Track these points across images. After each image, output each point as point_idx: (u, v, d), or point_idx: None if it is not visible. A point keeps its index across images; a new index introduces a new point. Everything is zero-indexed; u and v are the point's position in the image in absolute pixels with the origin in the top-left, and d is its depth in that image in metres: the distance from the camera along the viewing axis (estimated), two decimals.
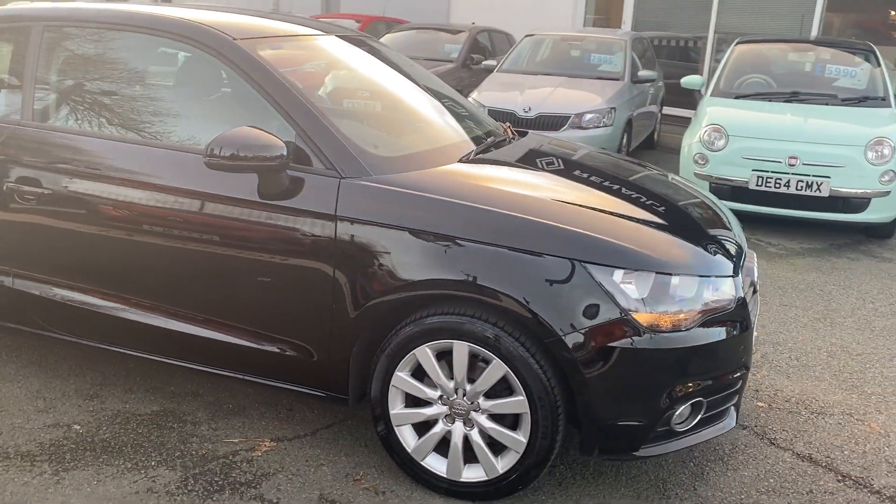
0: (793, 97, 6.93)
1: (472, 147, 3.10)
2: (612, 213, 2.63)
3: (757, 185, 6.22)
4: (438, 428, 2.60)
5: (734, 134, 6.42)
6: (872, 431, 3.24)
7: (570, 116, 7.92)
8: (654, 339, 2.37)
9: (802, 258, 5.73)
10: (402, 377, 2.58)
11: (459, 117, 3.45)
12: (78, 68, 3.08)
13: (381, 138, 3.03)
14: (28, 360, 3.50)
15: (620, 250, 2.42)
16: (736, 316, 2.56)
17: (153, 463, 2.77)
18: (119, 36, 3.03)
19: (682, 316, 2.43)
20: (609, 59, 9.31)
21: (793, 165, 6.12)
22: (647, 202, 2.90)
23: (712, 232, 2.84)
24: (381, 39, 11.98)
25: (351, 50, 3.46)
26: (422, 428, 2.64)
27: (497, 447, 2.56)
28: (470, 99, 8.60)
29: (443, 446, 2.62)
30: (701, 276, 2.53)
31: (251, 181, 2.61)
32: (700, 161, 6.51)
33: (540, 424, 2.44)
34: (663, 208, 2.89)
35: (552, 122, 7.92)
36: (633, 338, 2.37)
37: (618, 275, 2.38)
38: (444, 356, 2.54)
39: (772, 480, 2.85)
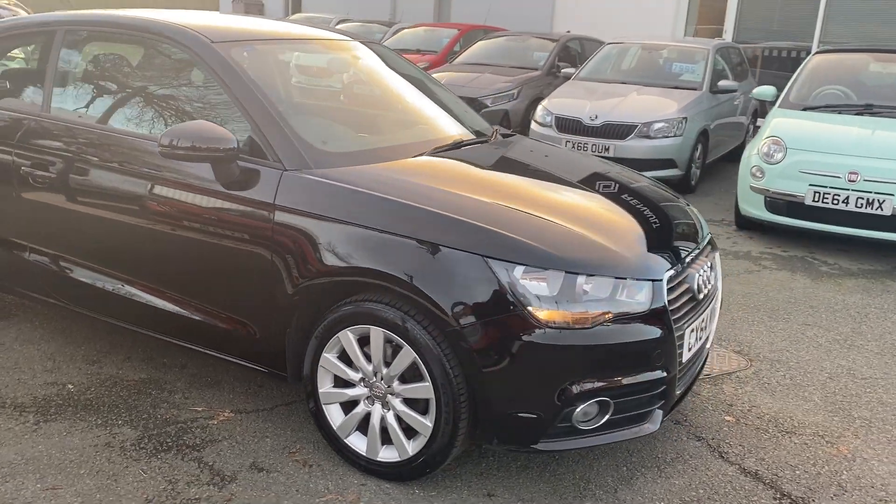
0: (865, 110, 6.56)
1: (434, 146, 3.23)
2: (537, 213, 2.69)
3: (813, 201, 5.94)
4: (360, 408, 2.75)
5: (792, 147, 6.17)
6: (838, 454, 3.10)
7: (637, 125, 7.82)
8: (549, 334, 2.43)
9: (853, 279, 5.44)
10: (328, 358, 2.75)
11: (435, 118, 3.58)
12: (87, 65, 3.46)
13: (338, 135, 3.21)
14: (54, 327, 3.93)
15: (523, 247, 2.49)
16: (650, 320, 2.56)
17: (120, 422, 3.07)
18: (118, 37, 3.38)
19: (586, 315, 2.47)
20: (691, 69, 9.10)
21: (853, 181, 5.81)
22: (587, 204, 2.94)
23: (650, 234, 2.84)
24: (474, 46, 12.21)
25: (336, 53, 3.68)
26: (348, 407, 2.79)
27: (411, 431, 2.67)
28: (540, 106, 8.67)
29: (365, 426, 2.77)
30: (616, 278, 2.56)
31: (207, 170, 2.86)
32: (757, 174, 6.29)
33: (443, 410, 2.54)
34: (602, 209, 2.92)
35: (618, 131, 7.85)
36: (529, 332, 2.43)
37: (518, 271, 2.45)
38: (368, 341, 2.68)
39: (702, 491, 2.80)
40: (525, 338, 2.43)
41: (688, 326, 2.75)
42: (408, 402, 2.65)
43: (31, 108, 3.46)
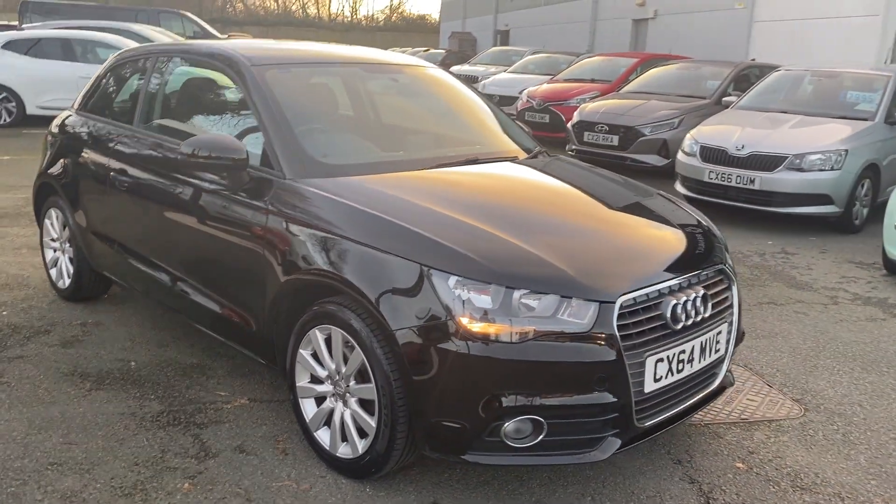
0: None
1: (440, 162, 3.35)
2: (492, 229, 2.71)
3: None
4: (327, 404, 2.91)
5: None
6: None
7: (787, 157, 7.28)
8: (474, 346, 2.45)
9: None
10: (303, 355, 2.95)
11: (459, 136, 3.70)
12: (165, 85, 3.99)
13: (344, 149, 3.41)
14: (147, 314, 4.49)
15: (460, 258, 2.53)
16: (591, 341, 2.49)
17: (152, 397, 3.48)
18: (191, 62, 3.87)
19: (514, 329, 2.46)
20: (869, 98, 8.28)
21: None
22: (560, 222, 2.93)
23: (620, 255, 2.76)
24: (645, 74, 11.95)
25: (372, 76, 3.91)
26: (319, 402, 2.97)
27: (364, 431, 2.79)
28: (688, 136, 8.32)
29: (331, 421, 2.92)
30: (562, 297, 2.52)
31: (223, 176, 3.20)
32: None
33: (383, 412, 2.64)
34: (575, 229, 2.88)
35: (765, 163, 7.35)
36: (455, 342, 2.46)
37: (452, 280, 2.50)
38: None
39: None
40: (451, 347, 2.47)
41: (652, 355, 2.62)
42: (361, 402, 2.77)
43: (125, 121, 4.04)
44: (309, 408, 2.99)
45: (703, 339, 2.84)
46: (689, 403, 2.89)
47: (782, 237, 7.18)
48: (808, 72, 9.13)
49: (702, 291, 2.84)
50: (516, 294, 2.48)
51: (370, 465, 2.75)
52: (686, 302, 2.75)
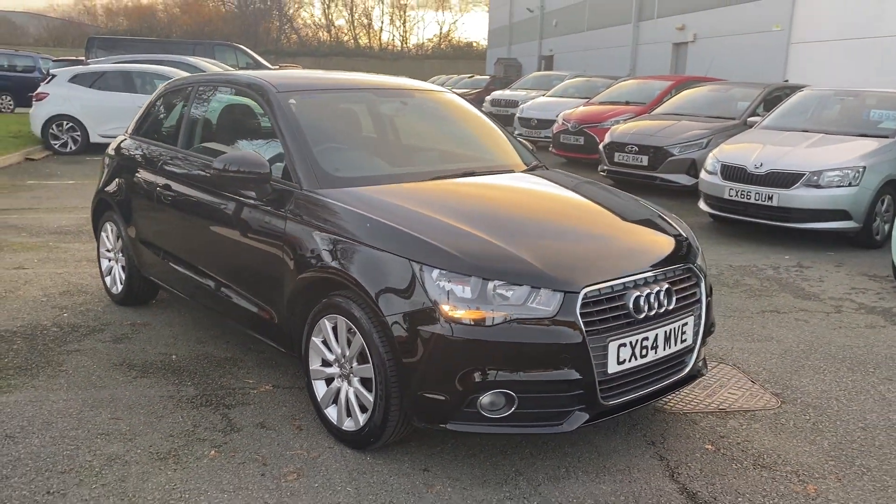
0: None
1: (438, 175, 3.79)
2: (475, 231, 3.10)
3: None
4: (335, 384, 3.33)
5: None
6: (800, 492, 3.04)
7: (804, 174, 7.49)
8: (454, 328, 2.83)
9: None
10: (315, 342, 3.37)
11: (459, 152, 4.12)
12: (203, 110, 4.51)
13: (354, 163, 3.85)
14: (191, 317, 4.99)
15: (443, 254, 2.93)
16: (557, 326, 2.85)
17: (189, 383, 3.95)
18: (226, 89, 4.39)
19: (491, 314, 2.84)
20: (892, 116, 8.44)
21: None
22: (536, 224, 3.33)
23: (587, 253, 3.13)
24: (678, 96, 12.22)
25: (383, 99, 4.37)
26: (328, 383, 3.38)
27: (366, 407, 3.19)
28: (710, 154, 8.59)
29: (337, 399, 3.34)
30: (532, 287, 2.90)
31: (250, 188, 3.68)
32: None
33: (379, 388, 3.04)
34: (547, 229, 3.27)
35: (783, 180, 7.58)
36: (438, 325, 2.86)
37: (435, 273, 2.90)
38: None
39: (623, 498, 2.96)
40: (434, 330, 2.86)
41: (615, 340, 2.97)
42: (362, 381, 3.18)
43: (170, 143, 4.58)
44: (320, 388, 3.40)
45: (667, 328, 3.17)
46: (656, 387, 3.21)
47: (800, 252, 7.38)
48: (832, 91, 9.31)
49: (666, 286, 3.18)
50: (491, 285, 2.87)
51: (369, 435, 3.15)
52: (649, 295, 3.09)
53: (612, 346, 2.97)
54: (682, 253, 3.42)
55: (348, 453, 3.24)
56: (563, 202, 3.76)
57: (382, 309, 2.97)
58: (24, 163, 12.75)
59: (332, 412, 3.35)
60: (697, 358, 3.42)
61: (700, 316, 3.37)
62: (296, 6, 71.30)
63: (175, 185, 4.32)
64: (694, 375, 3.44)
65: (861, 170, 7.42)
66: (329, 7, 70.39)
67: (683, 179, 10.17)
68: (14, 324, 4.77)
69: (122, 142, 5.23)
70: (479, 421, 2.92)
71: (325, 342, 3.34)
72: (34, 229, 7.60)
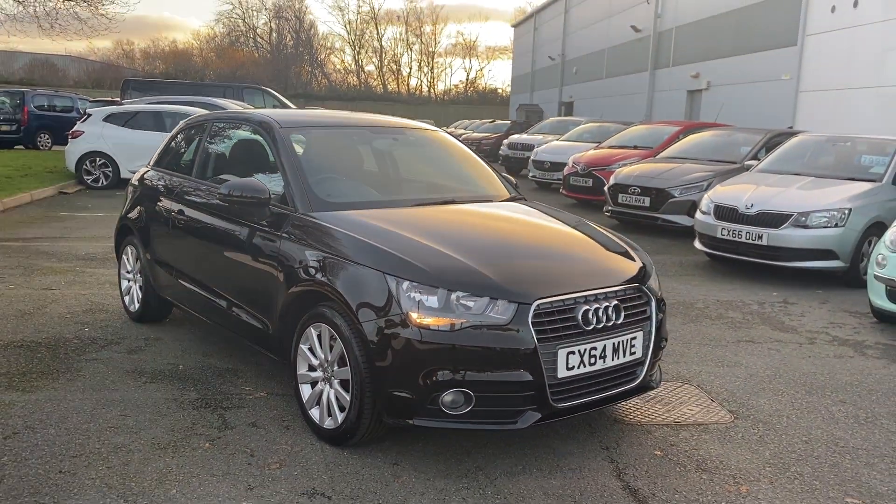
0: None
1: (419, 202, 4.22)
2: (444, 249, 3.50)
3: None
4: (318, 387, 3.71)
5: None
6: (733, 492, 3.34)
7: (792, 214, 7.82)
8: (419, 333, 3.22)
9: None
10: (302, 349, 3.77)
11: (442, 183, 4.57)
12: (213, 144, 5.00)
13: (345, 191, 4.28)
14: (198, 332, 5.42)
15: (413, 268, 3.33)
16: (510, 332, 3.23)
17: (192, 389, 4.35)
18: (236, 126, 4.88)
19: (455, 321, 3.22)
20: (882, 161, 8.76)
21: None
22: (498, 244, 3.74)
23: (541, 270, 3.50)
24: (683, 140, 12.61)
25: (376, 135, 4.83)
26: (313, 386, 3.77)
27: (343, 406, 3.56)
28: (705, 195, 8.95)
29: (320, 401, 3.71)
30: (491, 298, 3.28)
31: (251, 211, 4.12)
32: (880, 262, 6.13)
33: (355, 389, 3.42)
34: (508, 249, 3.67)
35: (772, 220, 7.91)
36: (406, 331, 3.24)
37: (405, 284, 3.30)
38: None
39: (570, 491, 3.28)
40: (403, 335, 3.24)
41: (563, 348, 3.33)
42: (341, 382, 3.56)
43: (186, 173, 5.06)
44: (305, 391, 3.79)
45: (615, 340, 3.52)
46: (606, 395, 3.55)
47: (789, 289, 7.66)
48: (826, 137, 9.66)
49: (615, 303, 3.54)
50: (454, 296, 3.26)
51: (346, 432, 3.51)
52: (598, 309, 3.46)
53: (562, 354, 3.33)
54: (634, 274, 3.78)
55: (327, 449, 3.61)
56: (530, 226, 4.15)
57: (360, 316, 3.37)
58: (58, 196, 13.43)
59: (315, 413, 3.73)
60: (649, 371, 3.75)
61: (650, 332, 3.71)
62: (327, 52, 73.34)
63: (188, 211, 4.79)
64: (644, 387, 3.76)
65: (847, 211, 7.73)
66: (359, 53, 72.27)
67: (684, 220, 10.49)
68: (39, 336, 5.23)
69: (144, 173, 5.73)
70: (441, 417, 3.28)
71: (311, 349, 3.73)
72: (63, 255, 8.13)
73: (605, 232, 4.25)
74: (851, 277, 7.86)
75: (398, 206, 4.14)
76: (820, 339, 5.88)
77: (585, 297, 3.47)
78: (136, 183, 5.76)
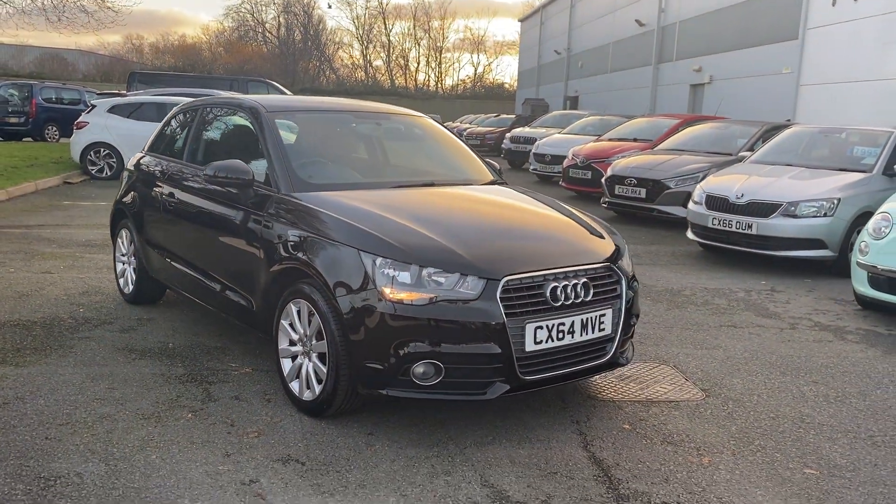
0: None
1: (398, 184, 4.34)
2: (418, 227, 3.62)
3: None
4: (298, 361, 3.84)
5: None
6: (695, 462, 3.45)
7: (781, 204, 7.90)
8: (391, 307, 3.34)
9: None
10: (283, 324, 3.89)
11: (422, 167, 4.68)
12: (204, 129, 5.13)
13: (326, 173, 4.40)
14: (190, 314, 5.55)
15: (386, 245, 3.45)
16: (479, 306, 3.34)
17: (180, 365, 4.49)
18: (225, 110, 5.00)
19: (426, 296, 3.34)
20: (873, 152, 8.81)
21: None
22: (471, 224, 3.84)
23: (512, 248, 3.61)
24: (680, 133, 12.69)
25: (360, 120, 4.95)
26: (293, 360, 3.89)
27: (320, 379, 3.69)
28: (697, 186, 9.03)
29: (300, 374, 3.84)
30: (462, 274, 3.40)
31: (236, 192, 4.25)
32: (864, 250, 6.21)
33: (331, 361, 3.55)
34: (481, 228, 3.78)
35: (762, 210, 7.99)
36: (379, 305, 3.36)
37: (378, 261, 3.42)
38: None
39: (535, 460, 3.40)
40: (376, 309, 3.36)
41: (531, 322, 3.44)
42: (319, 355, 3.68)
43: (176, 157, 5.20)
44: (286, 364, 3.91)
45: (583, 317, 3.63)
46: (575, 369, 3.67)
47: (777, 278, 7.74)
48: (819, 129, 9.72)
49: (584, 280, 3.65)
50: (426, 272, 3.37)
51: (323, 403, 3.64)
52: (567, 286, 3.57)
53: (530, 328, 3.44)
54: (605, 254, 3.88)
55: (306, 419, 3.73)
56: (505, 207, 4.26)
57: (335, 291, 3.49)
58: (63, 186, 13.61)
59: (295, 385, 3.85)
60: (619, 347, 3.86)
61: (620, 310, 3.82)
62: (335, 47, 73.49)
63: (178, 194, 4.92)
64: (614, 363, 3.87)
65: (836, 201, 7.80)
66: (367, 48, 72.38)
67: (679, 211, 10.55)
68: (35, 315, 5.38)
69: (139, 158, 5.86)
70: (413, 388, 3.40)
71: (291, 324, 3.85)
72: (64, 242, 8.29)
73: (580, 214, 4.35)
74: (840, 267, 7.92)
75: (378, 188, 4.26)
76: (802, 325, 5.96)
77: (555, 274, 3.58)
78: (131, 168, 5.90)
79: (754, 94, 18.22)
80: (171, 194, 5.00)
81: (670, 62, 24.20)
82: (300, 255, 3.74)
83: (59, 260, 7.31)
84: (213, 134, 5.12)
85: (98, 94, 24.51)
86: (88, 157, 14.51)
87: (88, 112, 14.87)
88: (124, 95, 16.78)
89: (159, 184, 5.23)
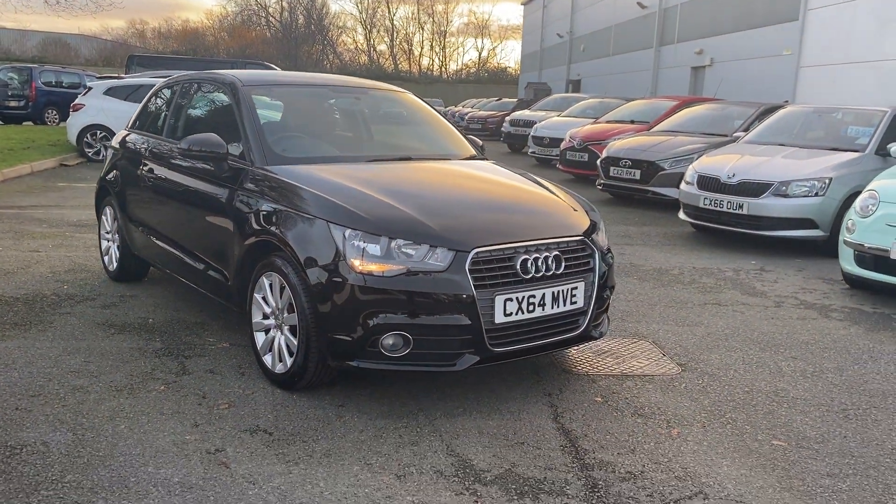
0: None
1: (374, 158, 4.33)
2: (387, 199, 3.61)
3: None
4: (271, 334, 3.84)
5: (885, 200, 6.00)
6: (663, 434, 3.45)
7: (773, 184, 7.86)
8: (361, 278, 3.33)
9: None
10: (256, 297, 3.89)
11: (399, 141, 4.67)
12: (184, 105, 5.12)
13: (301, 146, 4.39)
14: (172, 290, 5.56)
15: (355, 217, 3.44)
16: (448, 277, 3.33)
17: (157, 339, 4.50)
18: (204, 85, 4.98)
19: (394, 268, 3.34)
20: (867, 132, 8.75)
21: None
22: (442, 197, 3.83)
23: (481, 221, 3.60)
24: (677, 114, 12.62)
25: (338, 95, 4.93)
26: (266, 333, 3.89)
27: (292, 352, 3.69)
28: (689, 166, 9.00)
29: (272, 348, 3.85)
30: (431, 246, 3.39)
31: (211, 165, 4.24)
32: (851, 228, 6.17)
33: (300, 334, 3.55)
34: (451, 201, 3.77)
35: (753, 189, 7.95)
36: (348, 276, 3.36)
37: (347, 232, 3.41)
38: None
39: (504, 430, 3.40)
40: (344, 281, 3.36)
41: (501, 294, 3.43)
42: (291, 328, 3.68)
43: (156, 133, 5.19)
44: (259, 338, 3.92)
45: (554, 289, 3.62)
46: (546, 341, 3.66)
47: (768, 259, 7.72)
48: (813, 108, 9.65)
49: (555, 253, 3.64)
50: (395, 243, 3.37)
51: (294, 375, 3.64)
52: (538, 259, 3.56)
53: (499, 300, 3.43)
54: (580, 228, 3.86)
55: (278, 392, 3.74)
56: (481, 181, 4.25)
57: (305, 263, 3.49)
58: (59, 168, 13.63)
59: (268, 359, 3.86)
60: (592, 321, 3.85)
61: (592, 283, 3.80)
62: (338, 31, 73.18)
63: (157, 170, 4.92)
64: (586, 336, 3.86)
65: (827, 181, 7.75)
66: (371, 33, 72.06)
67: (673, 192, 10.48)
68: (18, 292, 5.39)
69: (124, 135, 5.86)
70: (382, 359, 3.41)
71: (264, 298, 3.85)
72: (55, 222, 8.30)
73: (556, 189, 4.33)
74: (832, 247, 7.85)
75: (353, 162, 4.24)
76: (787, 303, 5.95)
77: (526, 247, 3.57)
78: (115, 145, 5.89)
79: (755, 76, 18.11)
80: (151, 170, 5.00)
81: (671, 45, 24.04)
82: (272, 228, 3.74)
83: (48, 239, 7.33)
84: (192, 109, 5.10)
85: (98, 78, 24.50)
86: (85, 139, 14.52)
87: (85, 94, 14.86)
88: (121, 78, 16.74)
89: (139, 160, 5.22)
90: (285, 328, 3.71)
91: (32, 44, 59.47)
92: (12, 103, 23.13)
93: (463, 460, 3.12)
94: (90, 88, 14.89)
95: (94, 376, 3.89)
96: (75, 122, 14.53)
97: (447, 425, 3.45)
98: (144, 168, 5.09)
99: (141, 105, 5.81)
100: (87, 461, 3.00)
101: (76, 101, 14.86)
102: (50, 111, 23.57)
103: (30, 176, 12.34)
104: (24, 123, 23.05)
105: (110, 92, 14.64)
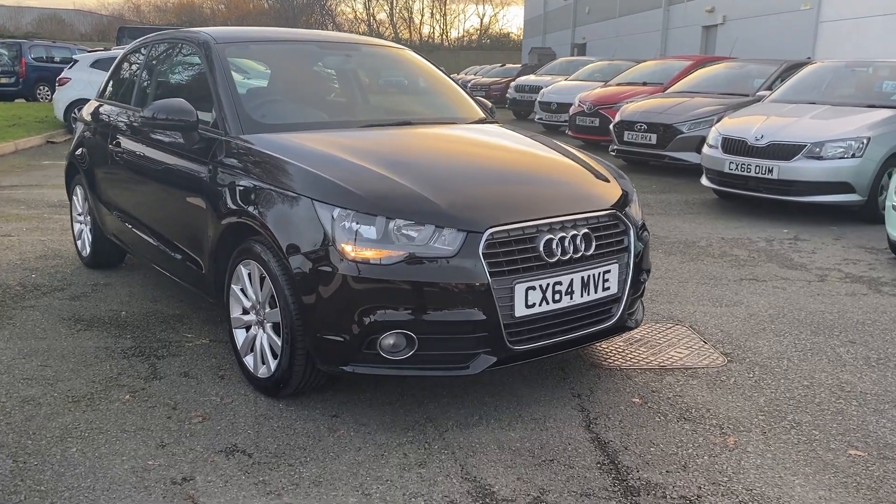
0: None
1: (366, 123, 3.77)
2: (384, 171, 3.03)
3: None
4: (252, 331, 3.29)
5: None
6: (718, 444, 2.90)
7: (805, 145, 7.23)
8: (353, 267, 2.77)
9: None
10: (234, 290, 3.34)
11: (396, 104, 4.07)
12: (154, 69, 4.52)
13: (284, 112, 3.80)
14: (150, 279, 5.01)
15: (345, 193, 2.87)
16: (458, 265, 2.76)
17: (128, 336, 3.95)
18: (175, 44, 4.38)
19: (394, 253, 2.77)
20: None
21: None
22: (449, 167, 3.25)
23: (497, 195, 3.02)
24: (692, 75, 11.94)
25: (326, 52, 4.31)
26: (247, 331, 3.34)
27: (276, 353, 3.14)
28: (712, 128, 8.37)
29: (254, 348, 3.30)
30: (437, 227, 2.82)
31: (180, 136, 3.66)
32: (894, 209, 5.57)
33: (286, 331, 2.99)
34: (461, 172, 3.19)
35: (783, 151, 7.32)
36: (337, 265, 2.79)
37: (336, 212, 2.83)
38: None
39: (529, 444, 2.86)
40: (333, 270, 2.79)
41: (522, 282, 2.86)
42: (273, 326, 3.13)
43: (124, 102, 4.60)
44: (240, 336, 3.37)
45: (584, 274, 3.04)
46: (575, 335, 3.10)
47: (801, 226, 7.13)
48: (844, 63, 8.98)
49: (584, 231, 3.06)
50: (393, 224, 2.79)
51: (279, 381, 3.10)
52: (564, 238, 2.98)
53: (520, 289, 2.86)
54: (610, 200, 3.29)
55: (261, 400, 3.20)
56: (494, 148, 3.66)
57: (287, 250, 2.92)
58: (45, 145, 13.04)
59: (249, 360, 3.31)
60: (627, 308, 3.29)
61: (627, 265, 3.23)
62: (337, 1, 71.83)
63: (124, 143, 4.35)
64: (621, 327, 3.31)
65: (865, 141, 7.13)
66: (370, 1, 70.71)
67: (692, 157, 9.88)
68: None
69: (95, 106, 5.26)
70: (380, 363, 2.85)
71: (243, 290, 3.30)
72: (33, 203, 7.75)
73: (581, 155, 3.74)
74: (869, 212, 7.29)
75: (345, 129, 3.65)
76: (831, 277, 5.37)
77: (550, 224, 2.99)
78: (85, 117, 5.31)
79: (771, 34, 17.29)
80: (118, 144, 4.42)
81: (681, 3, 23.13)
82: (249, 208, 3.17)
83: (23, 222, 6.78)
84: (163, 74, 4.50)
85: (89, 52, 23.78)
86: (73, 114, 13.87)
87: (71, 67, 14.20)
88: (107, 50, 16.07)
89: (107, 133, 4.64)
90: (267, 325, 3.16)
91: (28, 20, 58.59)
92: (2, 80, 22.44)
93: (481, 486, 2.58)
94: (76, 62, 14.23)
95: (50, 384, 3.35)
96: (62, 97, 13.91)
97: (460, 439, 2.90)
98: (111, 143, 4.51)
99: (110, 71, 5.21)
100: (24, 497, 2.47)
101: (62, 74, 14.22)
102: (41, 87, 22.86)
103: (13, 154, 11.77)
104: (15, 100, 22.37)
105: (97, 65, 13.98)
